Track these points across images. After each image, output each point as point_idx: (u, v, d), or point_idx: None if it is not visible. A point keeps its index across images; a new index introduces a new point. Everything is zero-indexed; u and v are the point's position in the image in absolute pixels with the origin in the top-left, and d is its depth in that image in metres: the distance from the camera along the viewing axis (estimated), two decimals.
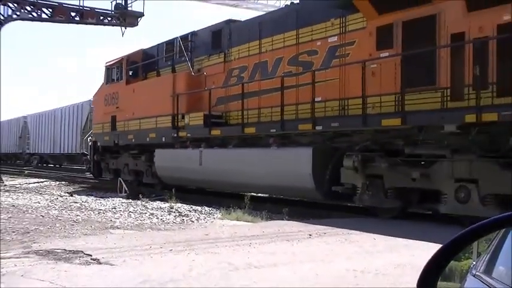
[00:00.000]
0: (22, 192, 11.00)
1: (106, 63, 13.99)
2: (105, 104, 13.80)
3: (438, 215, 6.56)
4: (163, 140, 11.09)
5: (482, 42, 6.01)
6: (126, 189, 10.86)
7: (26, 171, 18.15)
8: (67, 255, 4.12)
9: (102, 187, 13.45)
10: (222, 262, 3.86)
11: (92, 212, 7.50)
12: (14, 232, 5.39)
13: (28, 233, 5.40)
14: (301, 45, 8.57)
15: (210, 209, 8.13)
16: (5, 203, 8.41)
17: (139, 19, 17.33)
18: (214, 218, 7.34)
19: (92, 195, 10.98)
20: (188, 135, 10.41)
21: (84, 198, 9.84)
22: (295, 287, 3.27)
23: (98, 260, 3.92)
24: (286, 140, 8.57)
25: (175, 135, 10.73)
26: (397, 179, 6.83)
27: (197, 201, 9.06)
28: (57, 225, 6.06)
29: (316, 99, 7.92)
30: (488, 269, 1.28)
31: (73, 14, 16.60)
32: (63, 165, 25.09)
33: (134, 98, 12.41)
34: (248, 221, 6.81)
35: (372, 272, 3.59)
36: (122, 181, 11.08)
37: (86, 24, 16.97)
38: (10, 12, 15.65)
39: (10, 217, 6.59)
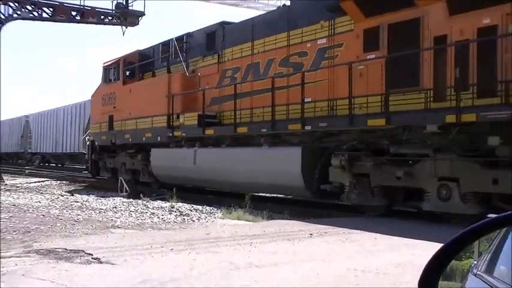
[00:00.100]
0: (23, 192, 11.10)
1: (104, 63, 14.21)
2: (103, 104, 14.03)
3: (439, 214, 6.61)
4: (159, 139, 11.31)
5: (463, 45, 6.21)
6: (127, 188, 10.98)
7: (27, 171, 18.24)
8: (68, 255, 4.12)
9: (101, 186, 13.59)
10: (223, 261, 3.87)
11: (92, 211, 7.57)
12: (15, 231, 5.42)
13: (29, 232, 5.43)
14: (292, 47, 8.78)
15: (211, 208, 8.19)
16: (6, 202, 8.47)
17: (140, 18, 17.42)
18: (215, 218, 7.40)
19: (93, 194, 11.04)
20: (183, 134, 10.63)
21: (85, 197, 9.93)
22: (296, 286, 3.27)
23: (99, 259, 3.92)
24: (277, 140, 8.78)
25: (170, 134, 10.95)
26: (383, 178, 7.03)
27: (198, 201, 9.16)
28: (58, 224, 6.09)
29: (306, 100, 8.13)
30: (490, 269, 1.28)
31: (74, 13, 16.69)
32: (65, 164, 25.03)
33: (131, 98, 12.63)
34: (249, 221, 6.84)
35: (372, 272, 3.59)
36: (122, 180, 11.22)
37: (87, 23, 17.06)
38: (11, 11, 15.77)
39: (11, 216, 6.64)
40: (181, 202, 8.58)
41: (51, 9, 16.31)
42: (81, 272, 3.53)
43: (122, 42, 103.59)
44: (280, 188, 8.65)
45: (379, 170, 7.07)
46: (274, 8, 11.54)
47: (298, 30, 8.66)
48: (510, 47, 5.78)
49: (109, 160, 14.03)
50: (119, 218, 7.00)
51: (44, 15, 16.29)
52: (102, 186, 13.51)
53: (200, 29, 11.25)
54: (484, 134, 5.96)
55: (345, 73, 7.38)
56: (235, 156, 9.27)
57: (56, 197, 9.92)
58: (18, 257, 4.02)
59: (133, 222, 6.69)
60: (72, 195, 10.57)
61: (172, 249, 4.38)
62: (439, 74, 6.56)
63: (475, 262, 1.35)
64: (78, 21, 16.94)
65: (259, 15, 9.87)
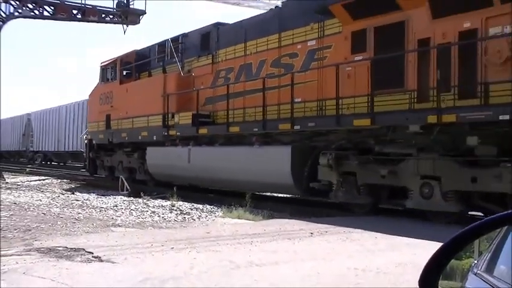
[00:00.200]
0: (24, 190, 11.20)
1: (101, 63, 14.42)
2: (100, 103, 14.25)
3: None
4: (155, 138, 11.53)
5: (445, 47, 6.44)
6: (128, 187, 11.12)
7: (28, 169, 18.29)
8: (68, 253, 4.13)
9: (102, 185, 13.63)
10: (223, 260, 3.87)
11: (93, 210, 7.59)
12: (15, 230, 5.45)
13: (30, 230, 5.46)
14: (283, 48, 8.99)
15: (212, 207, 8.22)
16: (7, 200, 8.52)
17: (141, 17, 17.52)
18: (215, 216, 7.42)
19: (94, 193, 11.13)
20: (178, 133, 10.85)
21: (85, 196, 9.98)
22: (296, 285, 3.26)
23: (100, 257, 3.92)
24: (269, 139, 8.99)
25: (165, 133, 11.17)
26: (368, 176, 7.25)
27: (199, 200, 9.20)
28: (59, 223, 6.11)
29: (296, 100, 8.34)
30: (490, 268, 1.27)
31: (75, 11, 16.79)
32: (67, 163, 24.92)
33: (127, 97, 12.85)
34: (249, 220, 6.85)
35: (373, 271, 3.58)
36: (123, 179, 11.38)
37: (88, 22, 17.13)
38: (12, 9, 15.84)
39: (12, 215, 6.68)
40: (182, 201, 8.63)
41: (52, 8, 16.39)
42: (81, 270, 3.55)
43: (121, 42, 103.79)
44: (270, 186, 8.88)
45: (365, 169, 7.28)
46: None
47: (289, 32, 8.87)
48: (489, 50, 6.00)
49: (106, 158, 14.26)
50: (119, 216, 7.05)
51: (45, 13, 16.37)
52: (103, 184, 13.62)
53: (195, 30, 11.46)
54: (463, 134, 6.17)
55: (333, 74, 7.58)
56: (228, 155, 9.49)
57: (56, 195, 10.02)
58: (19, 255, 4.04)
59: (134, 220, 6.73)
60: (73, 193, 10.66)
61: (172, 247, 4.40)
62: (422, 76, 6.77)
63: (475, 261, 1.35)
64: (79, 20, 17.01)
65: (252, 17, 10.07)
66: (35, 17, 16.36)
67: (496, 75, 5.96)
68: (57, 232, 5.41)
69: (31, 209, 7.40)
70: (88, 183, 14.45)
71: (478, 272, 1.31)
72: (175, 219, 7.08)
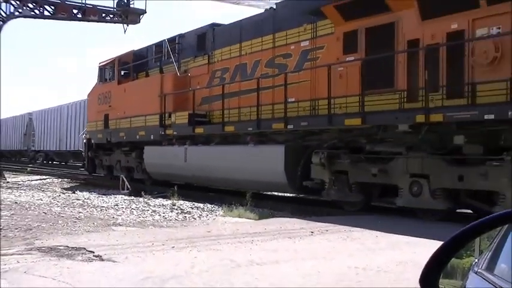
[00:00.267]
0: (25, 189, 11.27)
1: (99, 63, 14.58)
2: (99, 103, 14.41)
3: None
4: (152, 137, 11.68)
5: (433, 48, 6.57)
6: (129, 186, 11.25)
7: (28, 169, 18.37)
8: (69, 252, 4.14)
9: (99, 183, 13.81)
10: (224, 259, 3.87)
11: (94, 209, 7.62)
12: (16, 229, 5.46)
13: (31, 229, 5.48)
14: (277, 49, 9.13)
15: (212, 206, 8.25)
16: (8, 200, 8.56)
17: (141, 16, 17.58)
18: (216, 215, 7.43)
19: (95, 192, 11.18)
20: (174, 133, 11.00)
21: (86, 195, 10.02)
22: (297, 283, 3.26)
23: (100, 256, 3.93)
24: (264, 138, 9.14)
25: (162, 133, 11.32)
26: (360, 175, 7.38)
27: (199, 199, 9.25)
28: (60, 222, 6.13)
29: (290, 100, 8.48)
30: (490, 267, 1.27)
31: (75, 11, 16.86)
32: (68, 162, 24.82)
33: (125, 97, 13.00)
34: (250, 218, 6.87)
35: (373, 269, 3.59)
36: (124, 178, 11.51)
37: (88, 21, 17.20)
38: (12, 9, 15.94)
39: (13, 214, 6.70)
40: (183, 200, 8.67)
41: (53, 7, 16.47)
42: (82, 269, 3.56)
43: (122, 41, 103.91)
44: (265, 185, 9.01)
45: (356, 168, 7.42)
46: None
47: (283, 33, 9.01)
48: (476, 51, 6.13)
49: (105, 158, 14.42)
50: (120, 215, 7.07)
51: (46, 13, 16.45)
52: (104, 183, 13.72)
53: (191, 31, 11.60)
54: (451, 133, 6.32)
55: (326, 74, 7.71)
56: (223, 154, 9.64)
57: (57, 194, 10.08)
58: (20, 254, 4.07)
59: (135, 220, 6.74)
60: (74, 192, 10.70)
61: (173, 246, 4.41)
62: (412, 76, 6.91)
63: (476, 260, 1.35)
64: (79, 19, 17.07)
65: (247, 18, 10.19)
66: (35, 16, 16.43)
67: (483, 75, 6.10)
68: (58, 231, 5.44)
69: (32, 208, 7.46)
70: (87, 182, 14.55)
71: (479, 270, 1.31)
72: (176, 218, 7.11)
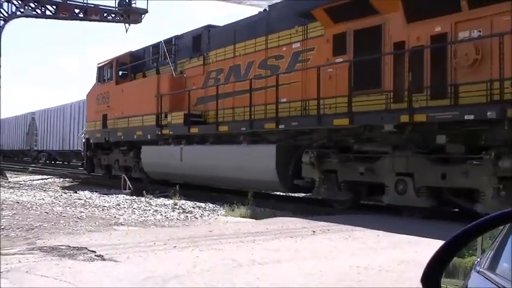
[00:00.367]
0: (26, 189, 11.30)
1: (98, 64, 14.80)
2: (97, 103, 14.64)
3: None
4: (149, 137, 11.90)
5: (417, 50, 6.76)
6: (130, 186, 11.36)
7: (30, 168, 18.45)
8: (71, 252, 4.14)
9: (100, 183, 13.82)
10: (225, 258, 3.88)
11: (96, 209, 7.63)
12: (18, 228, 5.47)
13: (32, 229, 5.48)
14: (269, 50, 9.34)
15: (214, 205, 8.26)
16: (10, 199, 8.57)
17: (143, 16, 17.66)
18: (218, 215, 7.44)
19: (96, 192, 11.12)
20: (170, 132, 11.21)
21: (88, 195, 10.03)
22: (298, 283, 3.26)
23: (102, 256, 3.94)
24: (257, 138, 9.34)
25: (159, 132, 11.54)
26: (348, 174, 7.58)
27: (201, 198, 9.24)
28: (62, 221, 6.12)
29: (282, 100, 8.69)
30: (492, 266, 1.27)
31: (77, 10, 16.95)
32: (71, 162, 24.61)
33: (123, 97, 13.23)
34: (252, 218, 6.85)
35: (375, 269, 3.58)
36: (125, 178, 11.64)
37: (90, 21, 17.29)
38: (14, 9, 16.04)
39: (15, 214, 6.69)
40: (184, 199, 8.69)
41: (54, 7, 16.55)
42: (84, 269, 3.57)
43: (123, 41, 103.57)
44: (257, 183, 9.18)
45: (345, 167, 7.62)
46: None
47: (276, 35, 9.22)
48: (458, 53, 6.33)
49: (103, 157, 14.63)
50: (122, 215, 7.08)
51: (47, 13, 16.52)
52: (105, 183, 13.74)
53: (187, 32, 11.82)
54: (434, 132, 6.51)
55: (316, 75, 7.90)
56: (218, 153, 9.84)
57: (59, 194, 10.11)
58: (21, 254, 4.07)
59: (137, 219, 6.75)
60: (76, 192, 10.73)
61: (175, 246, 4.42)
62: (398, 77, 7.10)
63: (478, 259, 1.35)
64: (81, 19, 17.14)
65: (241, 20, 10.36)
66: (37, 16, 16.51)
67: (465, 77, 6.30)
68: (60, 231, 5.46)
69: (34, 208, 7.50)
70: (87, 181, 14.64)
71: (481, 269, 1.31)
72: (178, 217, 7.14)
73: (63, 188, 12.92)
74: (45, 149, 26.53)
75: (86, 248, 4.29)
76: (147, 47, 13.27)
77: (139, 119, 12.51)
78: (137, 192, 10.49)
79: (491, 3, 6.08)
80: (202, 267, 3.60)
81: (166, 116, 11.47)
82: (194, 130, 10.56)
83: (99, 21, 17.51)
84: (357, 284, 3.24)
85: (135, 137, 12.60)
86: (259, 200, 8.27)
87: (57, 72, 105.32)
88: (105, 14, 17.55)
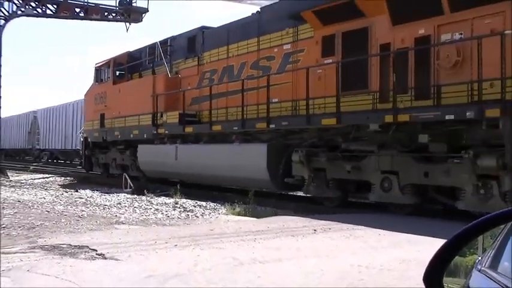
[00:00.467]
0: (27, 188, 11.38)
1: (95, 64, 15.02)
2: (95, 103, 14.85)
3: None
4: (145, 136, 12.12)
5: (401, 52, 6.97)
6: (131, 184, 11.49)
7: (31, 167, 18.54)
8: (72, 250, 4.14)
9: (104, 182, 13.77)
10: (226, 257, 3.88)
11: (97, 208, 7.65)
12: (19, 227, 5.48)
13: (34, 228, 5.49)
14: (261, 51, 9.55)
15: (215, 204, 8.26)
16: (11, 198, 8.58)
17: (143, 15, 17.74)
18: (219, 214, 7.44)
19: (97, 190, 11.15)
20: (166, 132, 11.43)
21: (89, 193, 10.10)
22: (299, 282, 3.26)
23: (103, 255, 3.94)
24: (249, 137, 9.54)
25: (154, 132, 11.76)
26: (336, 172, 7.79)
27: (202, 197, 9.26)
28: (63, 220, 6.14)
29: (273, 101, 8.90)
30: (494, 264, 1.27)
31: (78, 10, 17.04)
32: (73, 161, 24.44)
33: (120, 97, 13.45)
34: (253, 217, 6.85)
35: (376, 268, 3.58)
36: (126, 177, 11.79)
37: (91, 20, 17.39)
38: (15, 8, 16.12)
39: (16, 212, 6.71)
40: (185, 198, 8.71)
41: (55, 6, 16.63)
42: (85, 267, 3.57)
43: (124, 40, 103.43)
44: (249, 181, 9.37)
45: (333, 165, 7.83)
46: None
47: (267, 36, 9.43)
48: (441, 55, 6.52)
49: (101, 156, 14.85)
50: (123, 214, 7.10)
51: (48, 12, 16.60)
52: (106, 182, 13.75)
53: (182, 33, 12.02)
54: (417, 132, 6.73)
55: (305, 76, 8.13)
56: (211, 152, 10.06)
57: (60, 193, 10.14)
58: (23, 252, 4.09)
59: (138, 218, 6.77)
60: (77, 191, 10.78)
61: (176, 245, 4.42)
62: (384, 78, 7.30)
63: (479, 258, 1.35)
64: (81, 18, 17.22)
65: (234, 21, 10.55)
66: (37, 15, 16.57)
67: (447, 78, 6.49)
68: (61, 230, 5.47)
69: (35, 207, 7.52)
70: (87, 180, 14.65)
71: (482, 268, 1.31)
72: (179, 216, 7.16)
73: (64, 186, 13.02)
74: (47, 147, 26.52)
75: (87, 246, 4.31)
76: (144, 48, 13.47)
77: (136, 118, 12.72)
78: (138, 191, 10.57)
79: (471, 6, 6.27)
80: (204, 266, 3.62)
81: (161, 116, 11.69)
82: (189, 129, 10.77)
83: (100, 20, 17.59)
84: (359, 283, 3.24)
85: (131, 136, 12.81)
86: (260, 199, 8.36)
87: (58, 72, 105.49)
88: (105, 13, 17.63)
